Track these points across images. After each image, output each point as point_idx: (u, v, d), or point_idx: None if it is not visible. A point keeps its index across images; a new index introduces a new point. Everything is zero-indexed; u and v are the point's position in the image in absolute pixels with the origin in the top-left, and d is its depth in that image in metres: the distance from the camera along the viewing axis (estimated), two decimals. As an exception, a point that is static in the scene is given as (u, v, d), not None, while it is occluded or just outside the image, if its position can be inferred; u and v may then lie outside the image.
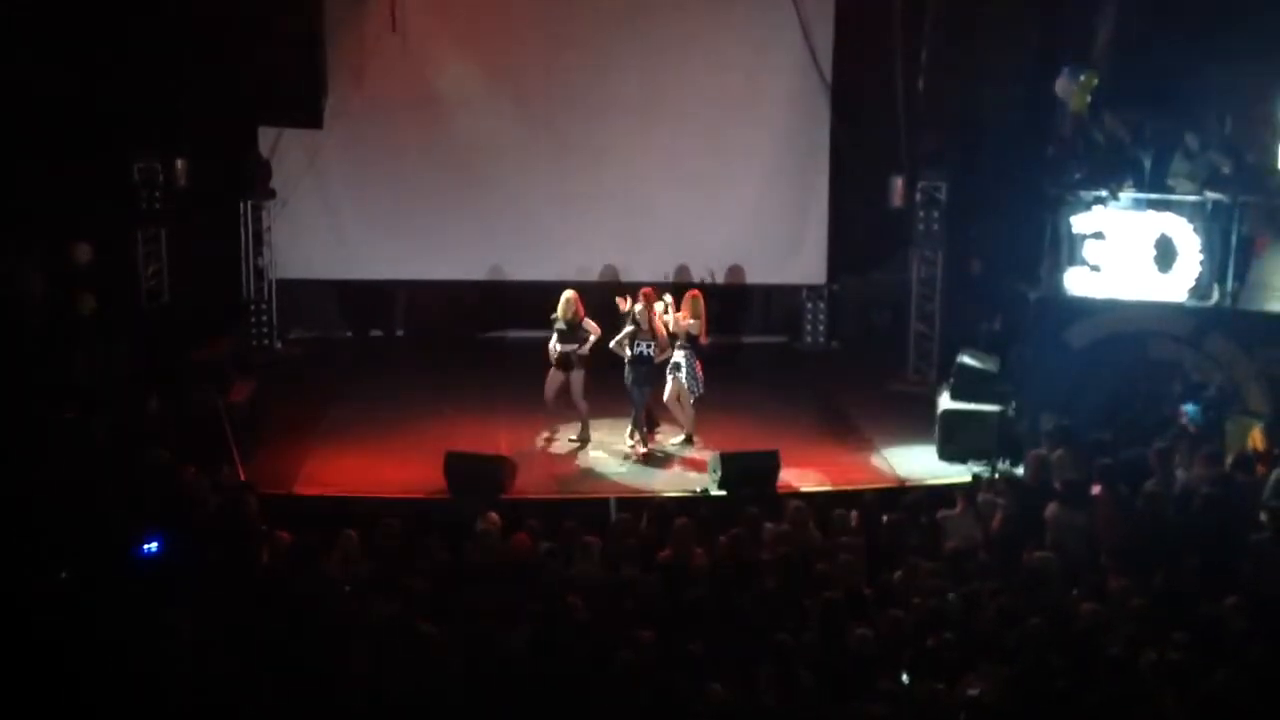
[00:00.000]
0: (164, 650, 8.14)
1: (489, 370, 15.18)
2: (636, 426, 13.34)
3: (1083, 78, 14.17)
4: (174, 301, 15.65)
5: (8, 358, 13.03)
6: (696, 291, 13.56)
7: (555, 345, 13.35)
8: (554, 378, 13.41)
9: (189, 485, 10.72)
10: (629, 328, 13.11)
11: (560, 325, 13.29)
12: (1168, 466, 11.01)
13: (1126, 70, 14.62)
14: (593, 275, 16.29)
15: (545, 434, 13.63)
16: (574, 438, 13.52)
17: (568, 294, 13.39)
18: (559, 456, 13.28)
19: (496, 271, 16.69)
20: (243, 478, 11.56)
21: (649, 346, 13.09)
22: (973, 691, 7.77)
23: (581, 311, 13.35)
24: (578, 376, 13.34)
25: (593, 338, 13.31)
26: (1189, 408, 12.78)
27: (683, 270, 16.49)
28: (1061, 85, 14.35)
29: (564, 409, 13.55)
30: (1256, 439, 11.75)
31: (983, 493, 10.93)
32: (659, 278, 16.42)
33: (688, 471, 12.86)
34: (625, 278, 16.04)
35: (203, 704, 7.71)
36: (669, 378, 13.31)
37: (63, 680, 7.91)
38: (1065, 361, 13.44)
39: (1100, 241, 13.94)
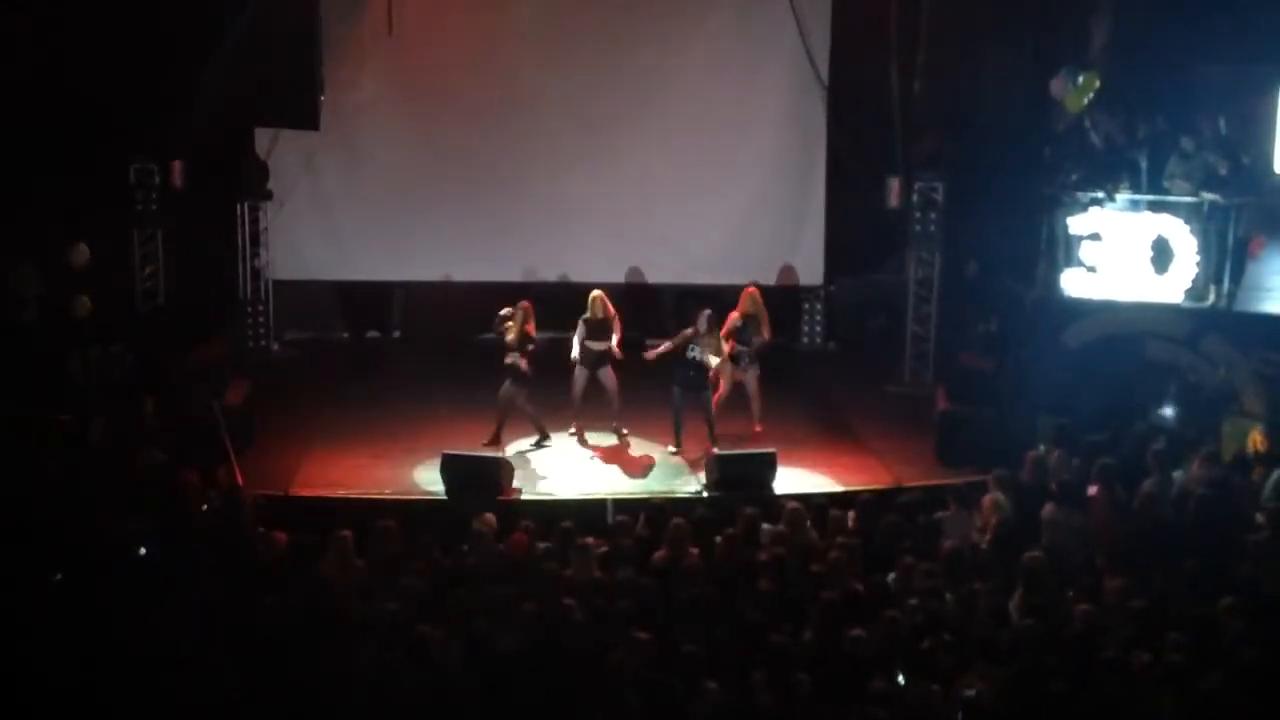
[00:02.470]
0: (160, 652, 8.13)
1: (485, 371, 15.14)
2: (677, 431, 13.32)
3: (1082, 79, 14.18)
4: (170, 303, 15.64)
5: (4, 359, 13.02)
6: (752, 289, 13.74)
7: (586, 343, 13.29)
8: (581, 375, 13.40)
9: (185, 487, 10.71)
10: (687, 332, 13.13)
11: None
12: (1165, 467, 10.99)
13: (1123, 71, 14.64)
14: (587, 276, 16.20)
15: (570, 431, 13.60)
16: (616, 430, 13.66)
17: (596, 292, 13.42)
18: (556, 457, 13.27)
19: (493, 273, 16.62)
20: (239, 479, 11.54)
21: (702, 353, 13.10)
22: (969, 693, 7.78)
23: (610, 309, 13.40)
24: (609, 374, 13.37)
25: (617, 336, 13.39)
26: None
27: (675, 271, 16.56)
28: (1057, 86, 14.36)
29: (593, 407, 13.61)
30: (1257, 440, 11.74)
31: (986, 492, 10.92)
32: (653, 279, 16.49)
33: (685, 473, 12.86)
34: (620, 279, 16.04)
35: (199, 705, 7.70)
36: (749, 371, 13.49)
37: (58, 682, 7.91)
38: (1062, 363, 13.44)
39: (1097, 243, 13.96)
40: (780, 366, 16.54)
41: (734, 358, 13.43)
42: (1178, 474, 11.00)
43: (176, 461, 10.99)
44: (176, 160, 15.37)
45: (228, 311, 16.14)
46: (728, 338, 13.29)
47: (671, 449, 13.28)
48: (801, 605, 8.87)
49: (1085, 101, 14.23)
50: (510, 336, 13.10)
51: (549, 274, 16.58)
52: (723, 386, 13.52)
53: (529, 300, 13.40)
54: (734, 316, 13.50)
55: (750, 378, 13.60)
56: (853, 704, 7.63)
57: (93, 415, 11.90)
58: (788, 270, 16.86)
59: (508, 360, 13.14)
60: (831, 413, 14.81)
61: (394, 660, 8.07)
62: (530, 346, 13.10)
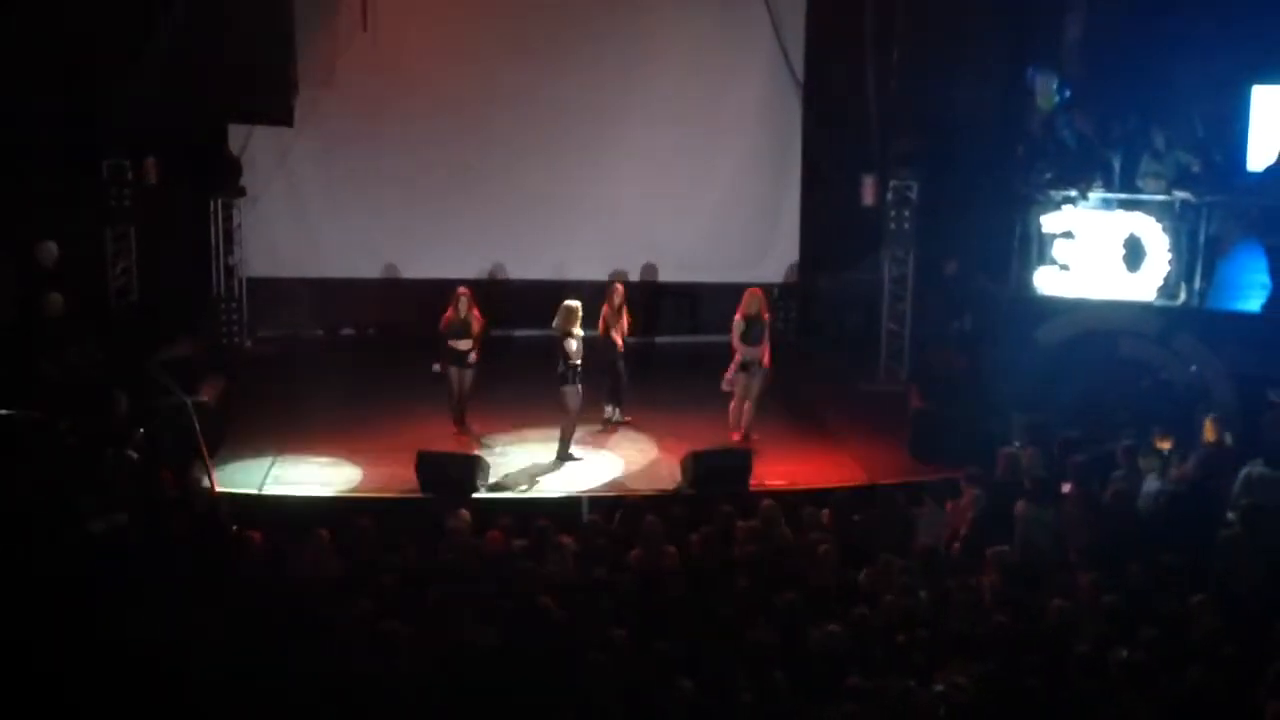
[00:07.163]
0: (133, 649, 8.10)
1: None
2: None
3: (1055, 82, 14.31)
4: (143, 300, 15.55)
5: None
6: (757, 290, 13.67)
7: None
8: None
9: (158, 485, 10.66)
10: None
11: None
12: (1134, 463, 11.04)
13: (1096, 70, 14.71)
14: (563, 274, 16.26)
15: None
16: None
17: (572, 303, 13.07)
18: (532, 455, 13.26)
19: (469, 270, 16.56)
20: (213, 477, 11.49)
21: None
22: (941, 688, 7.80)
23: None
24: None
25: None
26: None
27: (650, 269, 16.59)
28: (1041, 85, 14.44)
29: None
30: (1209, 430, 11.77)
31: (960, 489, 10.96)
32: (633, 277, 16.49)
33: (660, 470, 12.86)
34: (596, 276, 16.02)
35: (173, 703, 7.68)
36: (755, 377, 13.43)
37: (36, 681, 7.87)
38: (1035, 360, 13.51)
39: (1069, 241, 14.04)
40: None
41: (742, 364, 13.38)
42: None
43: (150, 461, 10.93)
44: (150, 157, 15.29)
45: (201, 309, 16.04)
46: (744, 341, 13.33)
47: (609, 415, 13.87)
48: (777, 603, 8.89)
49: (1056, 100, 14.32)
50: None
51: (524, 271, 16.57)
52: (736, 393, 13.48)
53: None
54: (737, 319, 13.41)
55: (755, 383, 13.46)
56: (829, 700, 7.65)
57: (64, 414, 11.81)
58: (763, 268, 16.87)
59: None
60: (807, 410, 14.82)
61: (369, 658, 8.05)
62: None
